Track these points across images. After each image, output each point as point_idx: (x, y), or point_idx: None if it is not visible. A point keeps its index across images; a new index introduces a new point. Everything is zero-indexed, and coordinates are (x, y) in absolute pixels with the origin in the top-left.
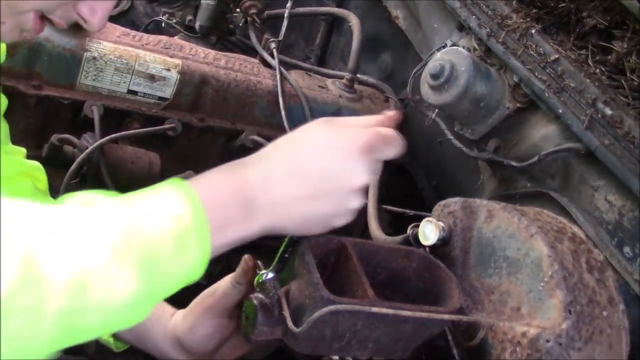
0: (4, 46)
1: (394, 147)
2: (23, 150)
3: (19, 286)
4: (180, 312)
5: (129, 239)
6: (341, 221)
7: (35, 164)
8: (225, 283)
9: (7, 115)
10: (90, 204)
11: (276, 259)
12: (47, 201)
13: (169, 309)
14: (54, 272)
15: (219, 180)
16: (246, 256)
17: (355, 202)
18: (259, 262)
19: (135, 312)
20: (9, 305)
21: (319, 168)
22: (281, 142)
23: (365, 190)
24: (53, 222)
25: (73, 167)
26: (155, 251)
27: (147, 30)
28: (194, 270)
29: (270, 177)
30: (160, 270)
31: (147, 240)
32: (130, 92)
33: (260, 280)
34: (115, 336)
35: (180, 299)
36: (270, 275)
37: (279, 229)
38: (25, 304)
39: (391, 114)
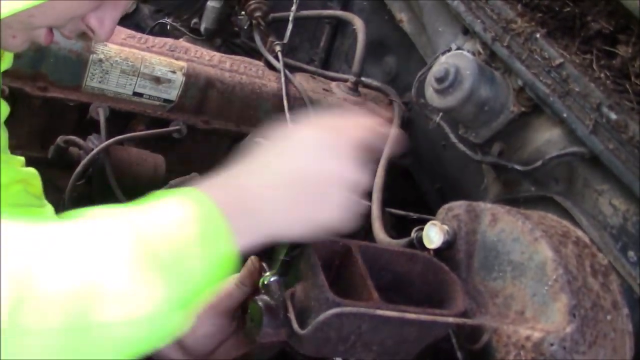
0: (10, 54)
1: (389, 142)
2: (21, 159)
3: (17, 306)
4: None
5: (148, 245)
6: (344, 225)
7: (31, 170)
8: (229, 283)
9: (13, 117)
10: (99, 216)
11: (278, 263)
12: (41, 205)
13: None
14: (51, 288)
15: (219, 192)
16: (252, 257)
17: (353, 202)
18: (264, 264)
19: (167, 323)
20: (13, 326)
21: (311, 171)
22: (271, 147)
23: (368, 193)
24: (52, 239)
25: (79, 168)
26: (179, 255)
27: (152, 33)
28: (221, 270)
29: (264, 188)
30: (184, 275)
31: (168, 244)
32: (135, 94)
33: (265, 283)
34: None
35: None
36: (275, 277)
37: (282, 236)
38: (27, 323)
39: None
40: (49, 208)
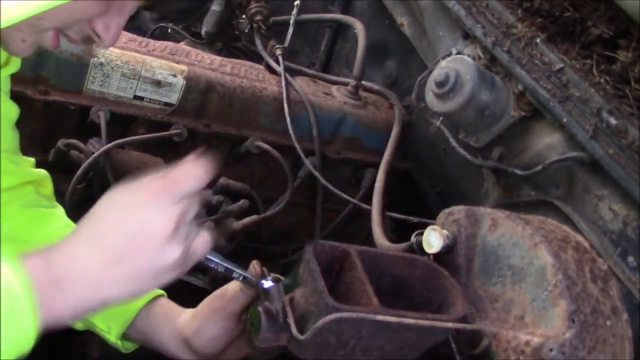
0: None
1: (191, 181)
2: (32, 160)
3: None
4: (189, 312)
5: None
6: (172, 272)
7: (42, 172)
8: (233, 287)
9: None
10: None
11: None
12: (52, 206)
13: (177, 308)
14: None
15: (30, 264)
16: (254, 262)
17: (173, 249)
18: (265, 269)
19: None
20: None
21: (118, 231)
22: (84, 219)
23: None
24: None
25: (79, 172)
26: None
27: (153, 36)
28: (25, 340)
29: (74, 255)
30: None
31: None
32: (136, 97)
33: (264, 288)
34: (124, 336)
35: (186, 303)
36: (269, 284)
37: (107, 299)
38: None
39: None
40: (60, 210)
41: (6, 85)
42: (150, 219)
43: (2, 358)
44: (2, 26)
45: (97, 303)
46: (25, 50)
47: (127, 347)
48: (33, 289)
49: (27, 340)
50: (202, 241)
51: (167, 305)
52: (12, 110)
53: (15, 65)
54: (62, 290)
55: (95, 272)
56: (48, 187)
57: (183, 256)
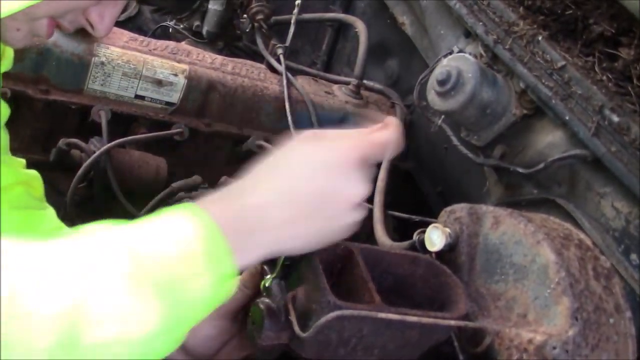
0: (11, 52)
1: (386, 150)
2: (22, 161)
3: (7, 323)
4: None
5: (142, 265)
6: (345, 234)
7: (33, 172)
8: None
9: (15, 119)
10: (92, 233)
11: (278, 267)
12: (42, 207)
13: None
14: (42, 306)
15: (216, 211)
16: None
17: (355, 215)
18: (265, 267)
19: (165, 342)
20: (2, 342)
21: (311, 189)
22: (271, 163)
23: (367, 198)
24: (46, 257)
25: (80, 171)
26: (176, 275)
27: (154, 36)
28: (221, 290)
29: (264, 206)
30: (182, 294)
31: (166, 264)
32: (137, 97)
33: (266, 285)
34: None
35: None
36: (276, 280)
37: (284, 251)
38: (14, 341)
39: (389, 120)
40: (50, 211)
41: None
42: (350, 184)
43: (208, 308)
44: (3, 16)
45: (275, 253)
46: (21, 40)
47: None
48: (226, 234)
49: (229, 286)
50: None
51: None
52: (3, 110)
53: (7, 62)
54: (251, 239)
55: (284, 226)
56: (38, 189)
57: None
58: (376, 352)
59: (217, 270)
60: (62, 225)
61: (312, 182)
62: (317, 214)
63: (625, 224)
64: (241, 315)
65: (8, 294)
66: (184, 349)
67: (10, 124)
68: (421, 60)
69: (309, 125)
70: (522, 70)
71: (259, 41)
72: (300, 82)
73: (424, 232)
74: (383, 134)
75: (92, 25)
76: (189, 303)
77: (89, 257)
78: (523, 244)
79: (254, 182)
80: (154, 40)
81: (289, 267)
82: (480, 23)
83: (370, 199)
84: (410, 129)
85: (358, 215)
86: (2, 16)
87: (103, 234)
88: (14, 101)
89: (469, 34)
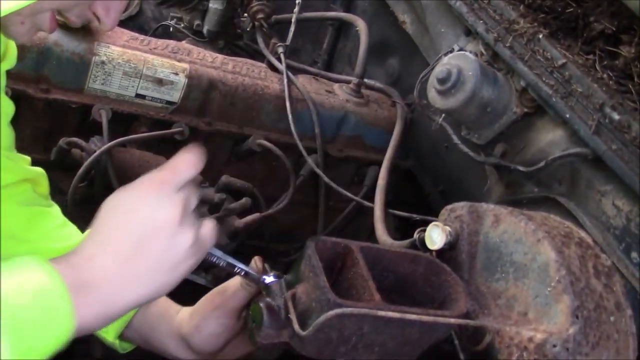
0: (14, 50)
1: (187, 169)
2: (27, 158)
3: None
4: (186, 310)
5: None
6: (189, 260)
7: (39, 170)
8: (234, 283)
9: (16, 118)
10: None
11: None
12: (48, 205)
13: (175, 306)
14: None
15: (58, 268)
16: (256, 257)
17: (185, 235)
18: (266, 266)
19: None
20: None
21: (128, 226)
22: (93, 224)
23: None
24: None
25: (81, 170)
26: (24, 323)
27: (155, 35)
28: (62, 338)
29: (90, 258)
30: (31, 341)
31: (17, 313)
32: (138, 96)
33: (266, 284)
34: (121, 337)
35: (188, 302)
36: (271, 280)
37: (132, 299)
38: None
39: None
40: (56, 208)
41: (2, 81)
42: (156, 210)
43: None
44: (15, 9)
45: (125, 303)
46: (25, 35)
47: (124, 347)
48: (68, 290)
49: (63, 339)
50: (209, 228)
51: (165, 303)
52: (9, 107)
53: (11, 60)
54: (90, 291)
55: (114, 272)
56: (44, 186)
57: (195, 241)
58: (376, 350)
59: (57, 325)
60: (67, 222)
61: (126, 222)
62: (144, 249)
63: (626, 222)
64: (245, 313)
65: None
66: (190, 346)
67: (11, 123)
68: (422, 58)
69: (310, 123)
70: (523, 69)
71: (260, 40)
72: (301, 81)
73: (424, 230)
74: (178, 158)
75: (98, 19)
76: (32, 350)
77: None
78: (523, 243)
79: (82, 243)
80: (154, 39)
81: (290, 268)
82: (481, 21)
83: (371, 198)
84: (411, 127)
85: (188, 238)
86: (14, 9)
87: None
88: (15, 100)
89: (469, 32)
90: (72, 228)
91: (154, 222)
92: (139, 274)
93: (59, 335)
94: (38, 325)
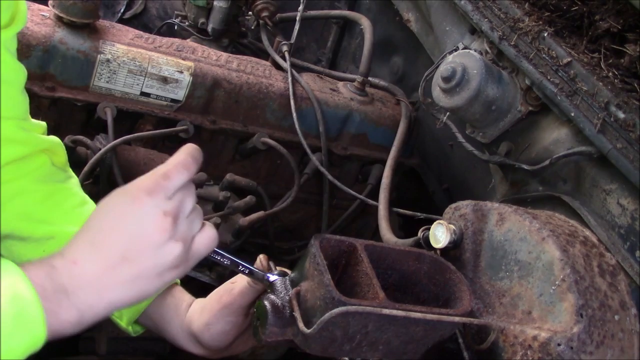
0: (25, 8)
1: (180, 172)
2: (43, 124)
3: None
4: (197, 304)
5: None
6: (175, 270)
7: (55, 139)
8: (241, 281)
9: None
10: None
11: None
12: (65, 176)
13: (187, 298)
14: None
15: (34, 273)
16: (261, 256)
17: (173, 246)
18: (271, 263)
19: None
20: None
21: (116, 231)
22: (83, 224)
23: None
24: None
25: (86, 168)
26: None
27: (160, 33)
28: (33, 345)
29: (75, 261)
30: (2, 345)
31: None
32: (143, 94)
33: (271, 282)
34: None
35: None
36: (276, 278)
37: (113, 302)
38: None
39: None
40: (74, 181)
41: (12, 46)
42: (146, 217)
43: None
44: None
45: (104, 307)
46: None
47: (137, 329)
48: (39, 295)
49: (36, 345)
50: (206, 237)
51: (179, 296)
52: (20, 73)
53: (20, 23)
54: (68, 296)
55: (98, 276)
56: (62, 155)
57: (184, 252)
58: (381, 348)
59: (27, 333)
60: (86, 199)
61: (115, 227)
62: (130, 256)
63: (631, 220)
64: (252, 310)
65: None
66: (199, 343)
67: None
68: (426, 57)
69: (314, 122)
70: (528, 67)
71: (264, 38)
72: (306, 79)
73: (428, 229)
74: (171, 160)
75: None
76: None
77: None
78: (528, 241)
79: (68, 244)
80: (159, 38)
81: (294, 264)
82: (486, 19)
83: (375, 196)
84: (415, 126)
85: (176, 248)
86: None
87: None
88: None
89: (474, 31)
90: (91, 206)
91: (142, 232)
92: (122, 281)
93: (31, 341)
94: (8, 332)
